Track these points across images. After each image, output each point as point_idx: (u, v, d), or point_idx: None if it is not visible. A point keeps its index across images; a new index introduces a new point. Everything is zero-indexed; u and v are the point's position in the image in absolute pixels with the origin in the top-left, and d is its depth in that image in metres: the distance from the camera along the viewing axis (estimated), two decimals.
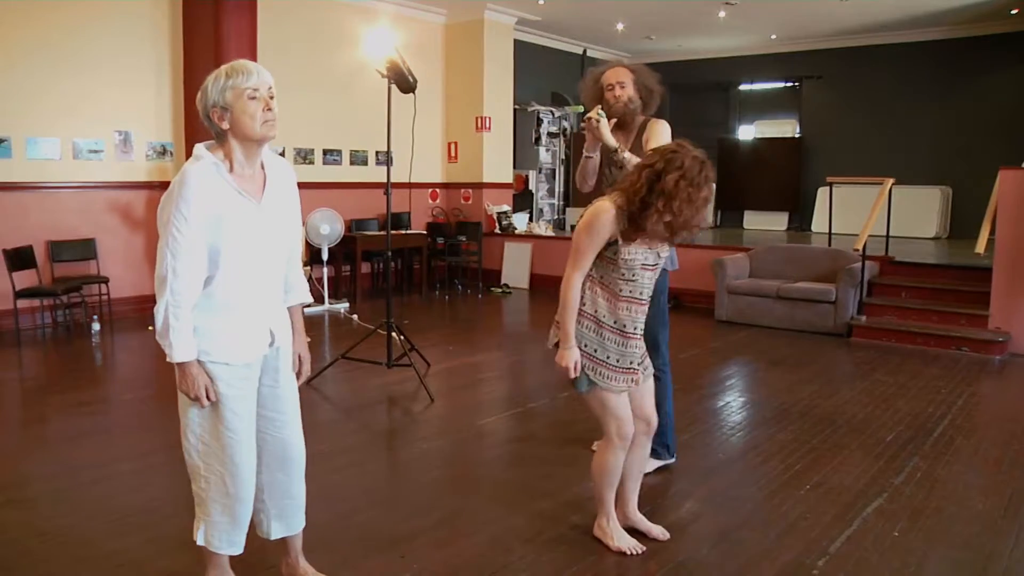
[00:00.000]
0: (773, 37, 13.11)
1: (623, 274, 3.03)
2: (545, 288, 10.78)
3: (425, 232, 11.00)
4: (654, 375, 3.60)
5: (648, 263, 3.08)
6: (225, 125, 2.41)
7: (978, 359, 6.91)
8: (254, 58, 8.30)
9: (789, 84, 13.88)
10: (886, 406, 5.40)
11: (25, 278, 7.32)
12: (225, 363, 2.49)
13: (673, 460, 4.20)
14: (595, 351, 3.07)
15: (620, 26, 12.29)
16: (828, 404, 5.43)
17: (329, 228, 8.95)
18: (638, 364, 3.17)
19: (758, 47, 13.74)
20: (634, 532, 3.34)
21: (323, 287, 9.15)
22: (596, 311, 3.07)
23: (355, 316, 8.59)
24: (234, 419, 2.52)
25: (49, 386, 5.94)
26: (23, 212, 7.51)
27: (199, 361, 2.45)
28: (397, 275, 10.65)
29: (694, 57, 14.22)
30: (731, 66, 14.19)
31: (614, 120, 3.92)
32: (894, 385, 5.97)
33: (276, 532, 2.81)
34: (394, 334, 5.96)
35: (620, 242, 2.98)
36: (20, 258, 7.27)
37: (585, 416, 5.00)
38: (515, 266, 11.12)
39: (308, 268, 7.94)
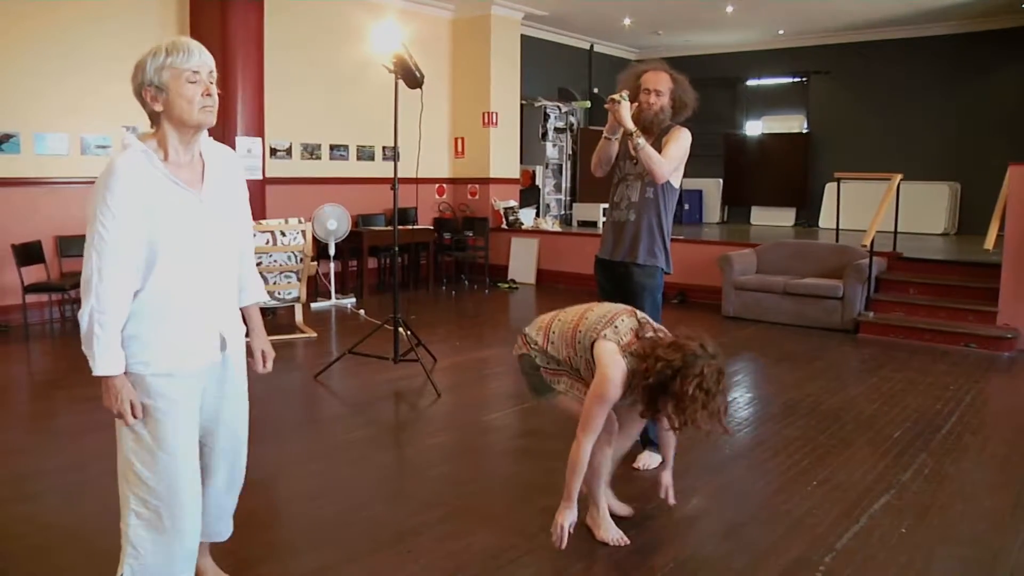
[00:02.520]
0: (780, 32, 13.07)
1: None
2: (552, 283, 10.78)
3: (432, 227, 11.01)
4: None
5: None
6: (158, 107, 2.21)
7: (986, 356, 6.88)
8: (261, 54, 8.36)
9: (796, 79, 13.81)
10: (894, 402, 5.39)
11: (33, 273, 7.35)
12: (168, 374, 2.25)
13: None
14: (558, 368, 3.28)
15: (627, 21, 12.26)
16: (835, 400, 5.42)
17: (336, 223, 8.95)
18: None
19: (765, 42, 13.71)
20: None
21: (330, 282, 9.16)
22: (564, 366, 3.25)
23: (362, 311, 8.60)
24: (174, 440, 2.27)
25: (57, 381, 5.96)
26: (32, 207, 7.54)
27: (133, 372, 2.22)
28: (404, 270, 10.65)
29: (701, 52, 14.19)
30: (738, 61, 14.15)
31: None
32: (902, 381, 5.96)
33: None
34: (401, 329, 5.96)
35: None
36: (28, 253, 7.30)
37: None
38: (522, 261, 11.12)
39: (315, 263, 7.96)
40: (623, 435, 3.39)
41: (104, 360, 2.15)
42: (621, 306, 3.29)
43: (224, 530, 2.68)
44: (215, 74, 2.28)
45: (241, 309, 2.57)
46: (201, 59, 2.22)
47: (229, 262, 2.42)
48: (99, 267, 2.14)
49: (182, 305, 2.27)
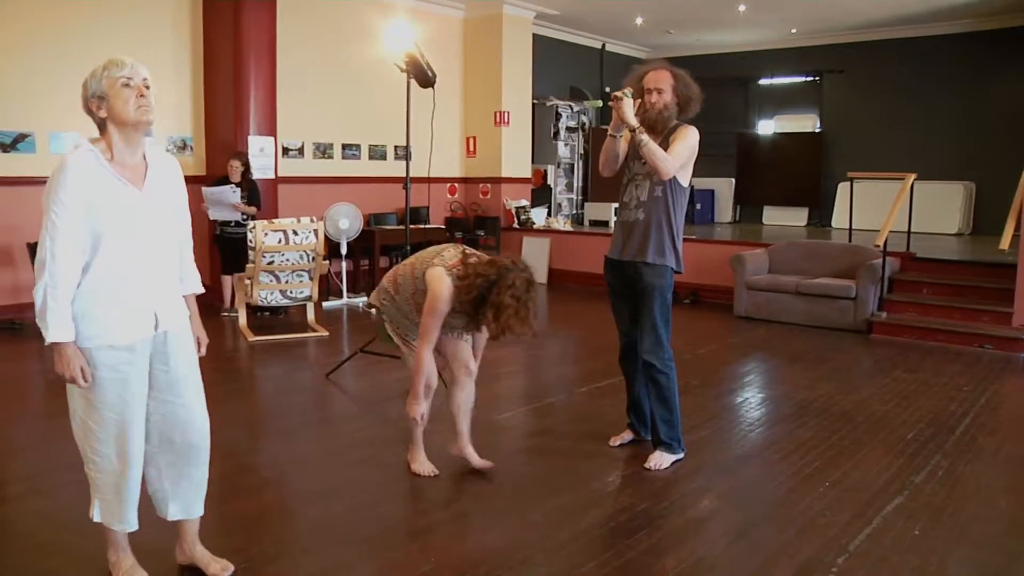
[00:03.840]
0: (793, 31, 13.02)
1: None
2: (563, 283, 10.78)
3: (444, 226, 11.02)
4: (661, 372, 4.05)
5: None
6: (103, 113, 2.55)
7: (1002, 357, 6.84)
8: (273, 53, 8.41)
9: (809, 78, 13.76)
10: (907, 403, 5.36)
11: None
12: (108, 346, 2.56)
13: (684, 455, 4.19)
14: (398, 327, 3.95)
15: (639, 20, 12.24)
16: (847, 401, 5.40)
17: (348, 222, 8.96)
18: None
19: (778, 41, 13.65)
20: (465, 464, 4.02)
21: (342, 281, 9.17)
22: (409, 309, 3.84)
23: (373, 310, 8.59)
24: (118, 402, 2.59)
25: None
26: None
27: (80, 346, 2.53)
28: None
29: (713, 51, 14.15)
30: (751, 60, 14.11)
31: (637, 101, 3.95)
32: (915, 382, 5.92)
33: (173, 514, 2.86)
34: None
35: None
36: None
37: (604, 412, 5.01)
38: (533, 261, 10.87)
39: (327, 262, 7.97)
40: (457, 387, 3.99)
41: (56, 329, 2.47)
42: (449, 244, 3.88)
43: (197, 506, 2.89)
44: (148, 81, 2.60)
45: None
46: (133, 69, 2.56)
47: (166, 252, 2.72)
48: (52, 250, 2.46)
49: (121, 285, 2.57)
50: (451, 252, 3.74)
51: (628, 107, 3.84)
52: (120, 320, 2.57)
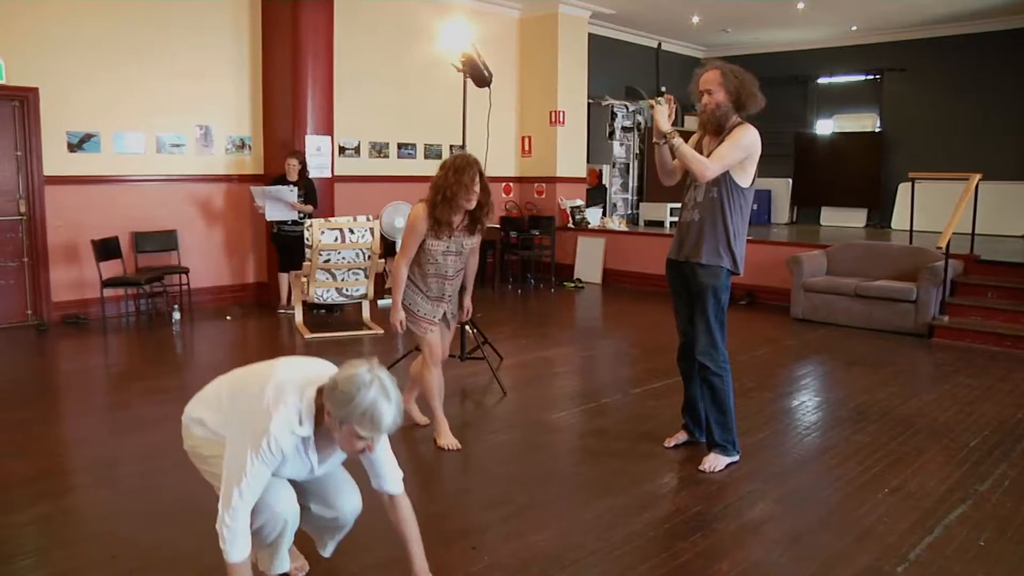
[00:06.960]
0: (854, 28, 12.78)
1: (428, 259, 4.29)
2: (618, 283, 10.73)
3: (498, 226, 11.03)
4: (715, 374, 4.03)
5: (449, 251, 4.30)
6: (330, 424, 2.42)
7: None
8: (330, 53, 8.48)
9: (870, 76, 13.51)
10: (970, 410, 5.22)
11: (111, 268, 7.58)
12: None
13: (738, 458, 4.14)
14: (409, 305, 4.43)
15: (696, 19, 12.13)
16: (907, 406, 5.28)
17: (404, 221, 9.02)
18: (439, 318, 4.51)
19: (838, 39, 13.41)
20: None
21: None
22: (416, 282, 4.37)
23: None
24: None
25: (132, 373, 6.14)
26: (110, 204, 7.78)
27: None
28: None
29: (771, 50, 13.97)
30: (809, 59, 13.89)
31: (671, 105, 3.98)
32: (979, 388, 5.77)
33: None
34: (467, 327, 6.00)
35: (427, 238, 4.21)
36: (107, 248, 7.53)
37: (659, 413, 4.98)
38: (588, 261, 11.09)
39: (383, 260, 8.05)
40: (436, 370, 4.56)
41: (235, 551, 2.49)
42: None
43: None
44: (387, 439, 2.59)
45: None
46: (381, 432, 2.39)
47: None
48: (240, 494, 2.44)
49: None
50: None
51: (661, 114, 3.86)
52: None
